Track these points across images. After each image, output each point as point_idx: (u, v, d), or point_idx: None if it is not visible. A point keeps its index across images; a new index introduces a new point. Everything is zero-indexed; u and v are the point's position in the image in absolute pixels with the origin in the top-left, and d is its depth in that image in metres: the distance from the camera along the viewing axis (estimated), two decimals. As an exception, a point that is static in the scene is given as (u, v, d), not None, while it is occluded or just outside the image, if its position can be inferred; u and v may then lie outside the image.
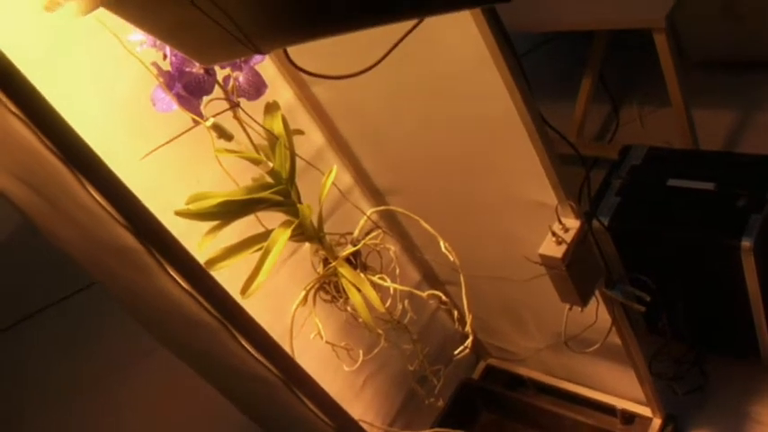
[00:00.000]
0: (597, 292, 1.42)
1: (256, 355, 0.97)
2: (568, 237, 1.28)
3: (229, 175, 1.14)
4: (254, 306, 1.02)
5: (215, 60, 0.91)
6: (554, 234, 1.28)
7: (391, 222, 1.66)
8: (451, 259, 1.34)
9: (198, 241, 1.14)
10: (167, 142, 1.14)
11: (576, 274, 1.31)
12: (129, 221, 0.77)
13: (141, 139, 1.22)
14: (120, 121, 1.25)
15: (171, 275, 0.82)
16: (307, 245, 1.42)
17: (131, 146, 1.21)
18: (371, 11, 0.56)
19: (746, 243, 1.59)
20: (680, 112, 2.29)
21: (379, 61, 0.92)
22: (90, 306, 3.24)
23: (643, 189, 1.86)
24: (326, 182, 1.19)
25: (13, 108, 0.71)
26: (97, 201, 0.78)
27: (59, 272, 3.10)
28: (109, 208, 0.77)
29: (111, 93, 1.24)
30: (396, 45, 0.89)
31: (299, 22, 0.62)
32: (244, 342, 0.93)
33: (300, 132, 1.28)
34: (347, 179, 1.58)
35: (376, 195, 1.61)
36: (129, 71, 1.17)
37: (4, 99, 0.70)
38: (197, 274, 0.83)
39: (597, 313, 1.46)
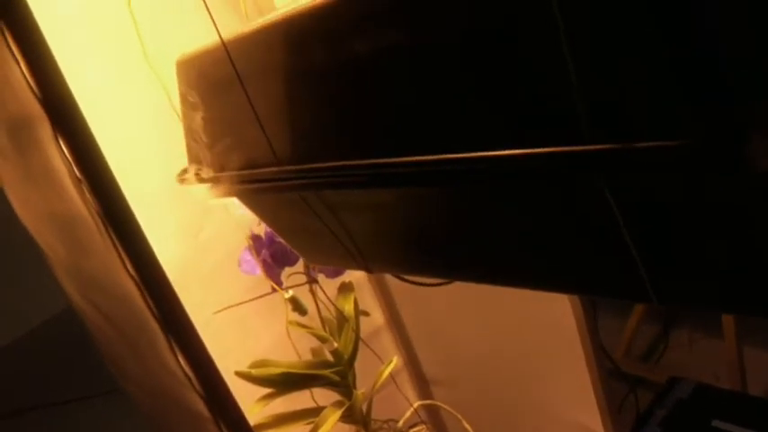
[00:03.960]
0: None
1: None
2: (610, 470, 1.27)
3: (295, 348, 1.18)
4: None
5: (322, 263, 0.97)
6: (596, 465, 1.27)
7: (430, 412, 1.66)
8: (487, 466, 1.33)
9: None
10: (243, 302, 1.20)
11: None
12: (207, 393, 0.81)
13: (213, 289, 1.28)
14: (196, 270, 1.31)
15: (230, 449, 0.84)
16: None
17: (201, 291, 1.27)
18: (491, 275, 0.62)
19: (787, 505, 1.54)
20: (731, 347, 2.28)
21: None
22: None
23: (687, 426, 1.83)
24: (383, 371, 1.23)
25: (132, 271, 0.78)
26: (181, 365, 0.82)
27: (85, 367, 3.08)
28: (191, 375, 0.81)
29: (195, 240, 1.31)
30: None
31: (420, 264, 0.68)
32: None
33: (366, 314, 1.33)
34: (397, 362, 1.61)
35: (422, 383, 1.63)
36: (214, 223, 1.25)
37: (127, 263, 0.77)
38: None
39: None
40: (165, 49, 0.95)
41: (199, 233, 1.32)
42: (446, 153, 0.50)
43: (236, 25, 0.94)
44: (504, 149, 0.46)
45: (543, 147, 0.43)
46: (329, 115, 0.61)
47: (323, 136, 0.62)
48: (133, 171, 1.14)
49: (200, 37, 0.77)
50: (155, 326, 0.81)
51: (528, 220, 0.52)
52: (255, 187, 0.71)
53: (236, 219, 1.17)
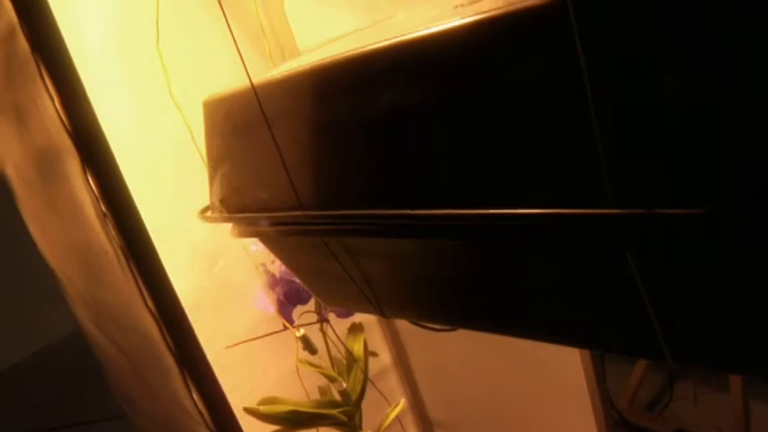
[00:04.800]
0: None
1: None
2: None
3: (303, 386, 1.19)
4: None
5: (336, 305, 0.98)
6: None
7: (434, 455, 1.66)
8: None
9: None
10: (255, 338, 1.21)
11: None
12: (219, 430, 0.81)
13: (224, 322, 1.28)
14: (209, 302, 1.31)
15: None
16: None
17: (213, 323, 1.28)
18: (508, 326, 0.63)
19: None
20: (737, 401, 2.26)
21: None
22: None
23: (691, 480, 1.82)
24: (390, 414, 1.23)
25: (151, 306, 0.79)
26: (194, 400, 0.83)
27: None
28: (203, 411, 0.82)
29: (209, 272, 1.32)
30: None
31: (436, 313, 0.69)
32: None
33: (375, 355, 1.33)
34: (404, 404, 1.61)
35: (426, 426, 1.62)
36: (229, 257, 1.26)
37: (147, 297, 0.78)
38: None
39: None
40: (190, 89, 0.98)
41: (213, 266, 1.33)
42: (469, 208, 0.51)
43: (260, 66, 0.96)
44: (528, 208, 0.47)
45: (566, 208, 0.45)
46: (354, 163, 0.62)
47: (347, 183, 0.63)
48: (153, 204, 1.16)
49: (226, 77, 0.79)
50: (170, 360, 0.83)
51: (547, 277, 0.53)
52: (277, 230, 0.72)
53: (252, 255, 1.19)
